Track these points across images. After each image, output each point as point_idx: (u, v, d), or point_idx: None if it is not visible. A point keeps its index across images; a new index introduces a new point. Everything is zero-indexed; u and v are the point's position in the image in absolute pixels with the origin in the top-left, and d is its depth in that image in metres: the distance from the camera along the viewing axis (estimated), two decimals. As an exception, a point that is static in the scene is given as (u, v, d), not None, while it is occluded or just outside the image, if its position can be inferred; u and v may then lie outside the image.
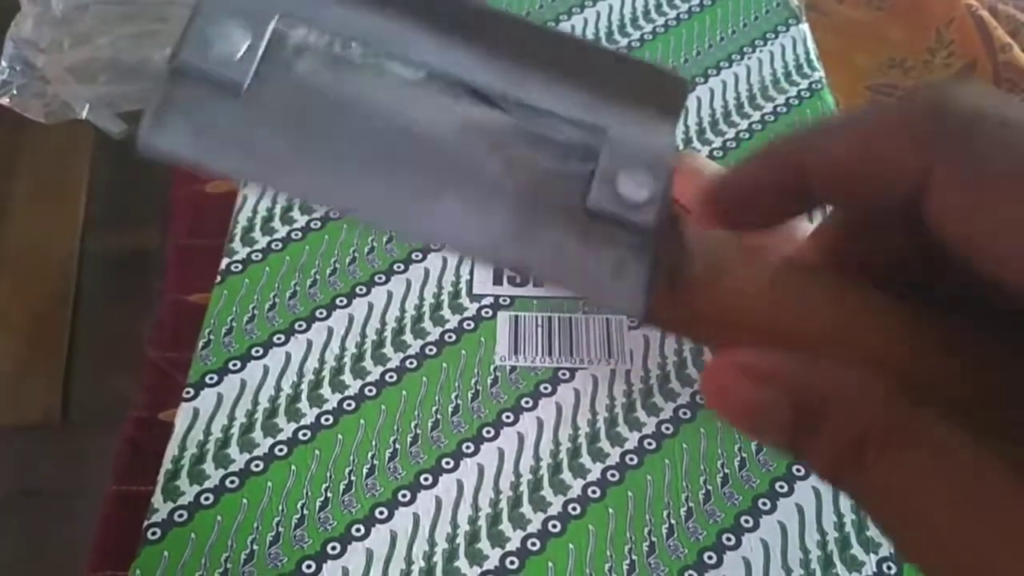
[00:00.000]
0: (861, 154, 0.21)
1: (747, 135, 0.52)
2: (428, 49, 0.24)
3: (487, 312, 0.43)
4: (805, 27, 0.59)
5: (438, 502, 0.37)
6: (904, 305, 0.22)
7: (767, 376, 0.20)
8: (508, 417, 0.39)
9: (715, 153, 0.51)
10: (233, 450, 0.38)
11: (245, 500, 0.37)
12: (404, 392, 0.40)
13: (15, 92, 0.55)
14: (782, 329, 0.22)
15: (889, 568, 0.36)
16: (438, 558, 0.35)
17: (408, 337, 0.42)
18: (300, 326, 0.42)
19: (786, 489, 0.38)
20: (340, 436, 0.38)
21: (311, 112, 0.23)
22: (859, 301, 0.22)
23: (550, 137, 0.24)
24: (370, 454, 0.38)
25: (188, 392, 0.40)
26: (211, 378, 0.40)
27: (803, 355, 0.21)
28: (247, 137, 0.22)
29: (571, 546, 0.36)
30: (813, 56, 0.57)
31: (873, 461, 0.20)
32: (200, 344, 0.41)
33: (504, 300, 0.43)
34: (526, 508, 0.37)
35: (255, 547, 0.35)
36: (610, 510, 0.37)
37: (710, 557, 0.36)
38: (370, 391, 0.40)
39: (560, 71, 0.24)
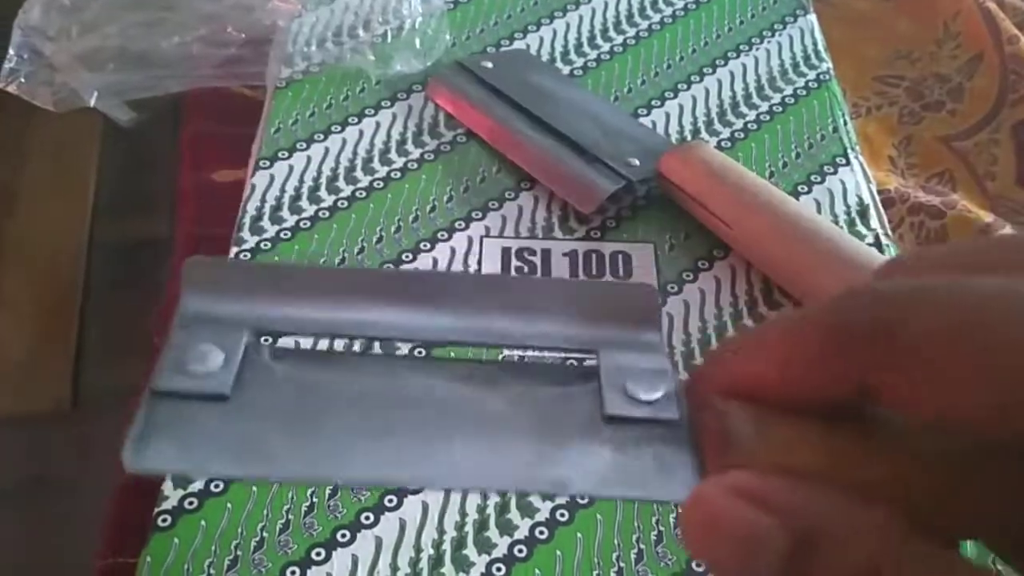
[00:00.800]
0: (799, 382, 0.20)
1: (755, 126, 0.52)
2: (397, 324, 0.25)
3: (495, 302, 0.43)
4: (813, 18, 0.59)
5: (446, 490, 0.37)
6: (885, 437, 0.21)
7: (761, 498, 0.18)
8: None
9: (723, 144, 0.51)
10: (243, 438, 0.38)
11: (254, 488, 0.37)
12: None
13: (23, 80, 0.54)
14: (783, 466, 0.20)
15: None
16: (447, 546, 0.36)
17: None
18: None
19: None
20: (349, 424, 0.39)
21: (298, 403, 0.23)
22: (845, 436, 0.21)
23: (542, 370, 0.25)
24: (379, 442, 0.38)
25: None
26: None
27: (802, 481, 0.19)
28: (237, 439, 0.22)
29: (579, 535, 0.36)
30: (821, 47, 0.57)
31: None
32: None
33: (512, 290, 0.43)
34: (535, 497, 0.37)
35: (265, 535, 0.36)
36: (599, 516, 0.37)
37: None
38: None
39: (531, 310, 0.25)
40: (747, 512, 0.18)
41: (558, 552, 0.36)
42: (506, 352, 0.34)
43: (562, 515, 0.37)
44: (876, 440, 0.21)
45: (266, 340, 0.23)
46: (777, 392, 0.21)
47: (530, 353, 0.34)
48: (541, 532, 0.36)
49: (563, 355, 0.24)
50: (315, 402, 0.23)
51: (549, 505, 0.37)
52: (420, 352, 0.25)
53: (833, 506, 0.18)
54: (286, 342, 0.24)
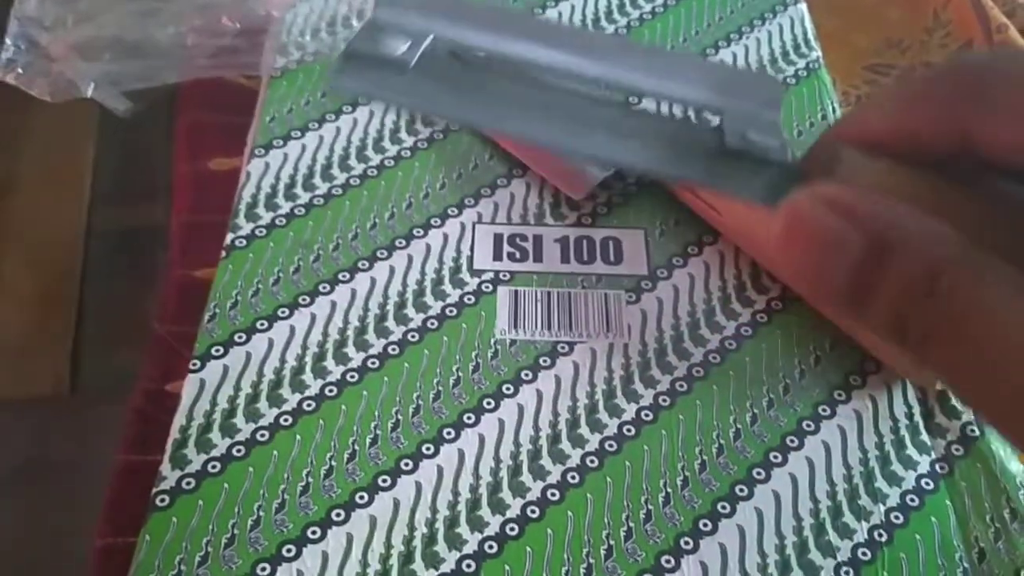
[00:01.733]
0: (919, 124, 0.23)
1: (744, 114, 0.53)
2: (560, 63, 0.30)
3: (487, 287, 0.44)
4: (803, 7, 0.59)
5: (440, 471, 0.38)
6: (958, 185, 0.24)
7: (845, 207, 0.21)
8: (508, 389, 0.40)
9: (713, 131, 0.52)
10: (239, 420, 0.39)
11: (251, 468, 0.37)
12: (406, 364, 0.41)
13: (20, 70, 0.55)
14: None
15: (880, 535, 0.37)
16: (440, 525, 0.36)
17: (410, 311, 0.43)
18: (304, 300, 0.43)
19: (780, 459, 0.39)
20: (344, 407, 0.39)
21: (469, 80, 0.28)
22: (928, 178, 0.24)
23: (674, 118, 0.30)
24: (372, 424, 0.39)
25: (195, 364, 0.40)
26: (217, 350, 0.41)
27: (886, 197, 0.22)
28: (415, 90, 0.28)
29: (570, 513, 0.37)
30: (811, 36, 0.57)
31: (948, 288, 0.19)
32: (206, 317, 0.42)
33: (504, 275, 0.44)
34: (526, 476, 0.38)
35: (261, 513, 0.36)
36: (608, 479, 0.38)
37: (705, 524, 0.37)
38: (373, 363, 0.41)
39: (675, 76, 0.30)
40: (827, 216, 0.21)
41: (569, 513, 0.37)
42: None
43: (553, 494, 0.37)
44: (964, 189, 0.24)
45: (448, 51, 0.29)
46: (892, 137, 0.23)
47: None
48: (553, 494, 0.37)
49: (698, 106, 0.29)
50: (482, 85, 0.28)
51: (560, 468, 0.38)
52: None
53: (906, 218, 0.21)
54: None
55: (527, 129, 0.29)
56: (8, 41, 0.56)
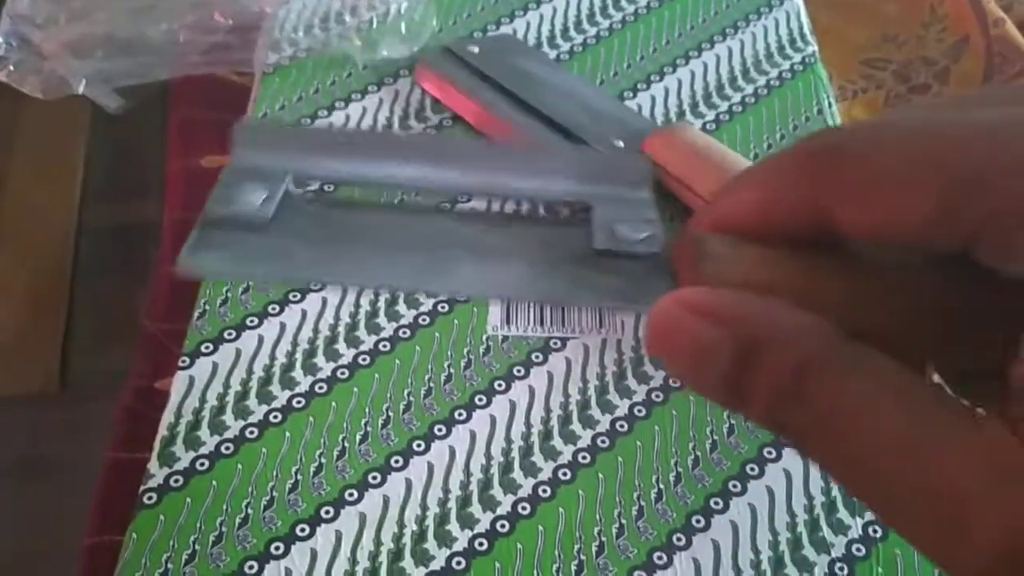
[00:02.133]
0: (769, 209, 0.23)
1: (740, 108, 0.52)
2: (418, 178, 0.29)
3: (480, 283, 0.43)
4: (799, 2, 0.59)
5: (430, 468, 0.37)
6: (829, 259, 0.23)
7: (711, 311, 0.21)
8: (500, 385, 0.40)
9: (708, 126, 0.51)
10: (228, 417, 0.38)
11: (240, 466, 0.37)
12: (397, 361, 0.40)
13: (12, 68, 0.55)
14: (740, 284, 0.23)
15: (875, 532, 0.37)
16: (429, 522, 0.36)
17: (401, 307, 0.42)
18: (295, 297, 0.42)
19: (774, 455, 0.39)
20: (334, 404, 0.39)
21: (327, 229, 0.28)
22: (797, 260, 0.24)
23: (539, 218, 0.29)
24: (363, 421, 0.39)
25: (184, 361, 0.40)
26: (206, 347, 0.41)
27: (752, 294, 0.21)
28: (274, 253, 0.27)
29: (561, 510, 0.37)
30: (807, 30, 0.57)
31: (815, 388, 0.19)
32: (196, 315, 0.42)
33: (497, 271, 0.44)
34: (517, 473, 0.37)
35: (250, 511, 0.36)
36: (600, 475, 0.38)
37: (698, 521, 0.37)
38: (364, 360, 0.40)
39: (535, 172, 0.30)
40: (695, 324, 0.21)
41: (560, 510, 0.36)
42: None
43: (544, 491, 0.37)
44: (835, 263, 0.23)
45: (306, 190, 0.28)
46: (754, 223, 0.23)
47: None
48: (544, 491, 0.37)
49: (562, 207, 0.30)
50: (341, 229, 0.28)
51: (552, 465, 0.38)
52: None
53: (771, 315, 0.21)
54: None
55: (391, 278, 0.28)
56: (0, 39, 0.56)
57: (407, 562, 0.35)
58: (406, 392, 0.39)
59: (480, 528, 0.36)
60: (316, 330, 0.41)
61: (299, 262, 0.27)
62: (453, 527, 0.36)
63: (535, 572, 0.35)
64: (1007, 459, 0.19)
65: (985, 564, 0.19)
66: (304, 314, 0.42)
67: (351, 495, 0.37)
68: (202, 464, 0.37)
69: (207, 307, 0.42)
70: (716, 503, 0.37)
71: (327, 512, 0.36)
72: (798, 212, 0.23)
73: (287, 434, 0.38)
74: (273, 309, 0.42)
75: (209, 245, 0.27)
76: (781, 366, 0.20)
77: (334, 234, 0.28)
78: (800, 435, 0.20)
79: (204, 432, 0.38)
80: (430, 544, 0.36)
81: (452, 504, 0.37)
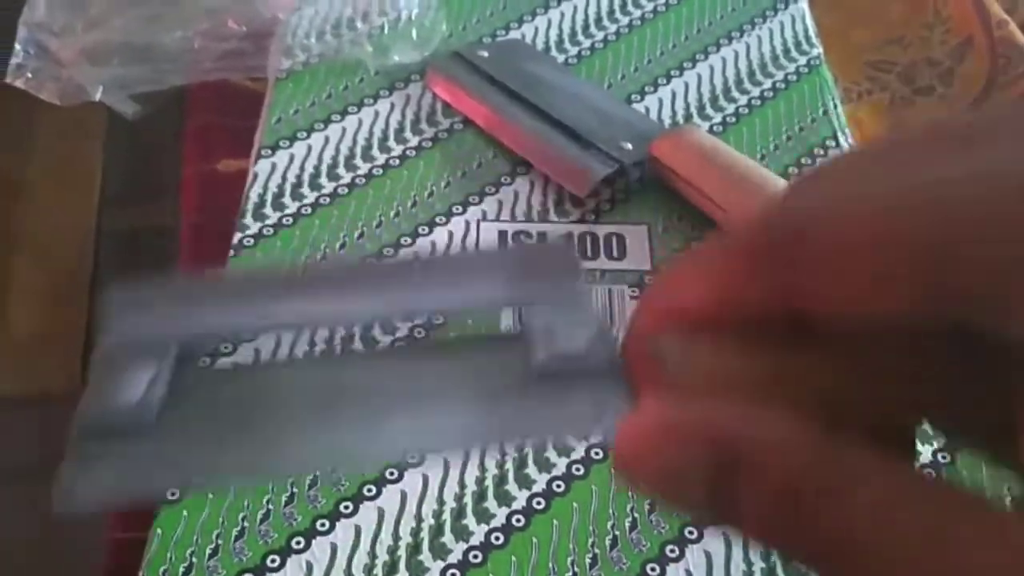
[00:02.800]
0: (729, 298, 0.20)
1: (746, 110, 0.53)
2: (326, 313, 0.25)
3: (492, 283, 0.44)
4: (804, 5, 0.60)
5: (425, 480, 0.38)
6: (791, 341, 0.20)
7: (678, 431, 0.19)
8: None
9: (715, 128, 0.52)
10: (248, 415, 0.39)
11: (260, 463, 0.38)
12: (412, 360, 0.41)
13: (30, 75, 0.56)
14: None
15: None
16: (447, 516, 0.37)
17: (416, 307, 0.43)
18: (311, 297, 0.43)
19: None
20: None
21: (232, 412, 0.23)
22: (760, 349, 0.21)
23: (472, 340, 0.25)
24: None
25: (204, 362, 0.41)
26: (226, 347, 0.41)
27: (721, 403, 0.19)
28: (171, 459, 0.22)
29: (575, 504, 0.37)
30: (812, 33, 0.58)
31: (815, 509, 0.17)
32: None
33: (509, 271, 0.44)
34: (531, 468, 0.38)
35: (271, 506, 0.37)
36: (593, 487, 0.38)
37: (691, 532, 0.37)
38: (380, 359, 0.41)
39: (458, 283, 0.26)
40: (665, 447, 0.19)
41: (534, 539, 0.37)
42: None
43: (539, 503, 0.38)
44: (801, 348, 0.21)
45: (199, 360, 0.23)
46: (705, 314, 0.21)
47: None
48: (518, 520, 0.37)
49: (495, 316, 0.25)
50: (249, 408, 0.23)
51: (526, 493, 0.38)
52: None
53: (751, 427, 0.19)
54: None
55: (311, 461, 0.23)
56: (18, 47, 0.57)
57: (425, 555, 0.36)
58: (421, 390, 0.40)
59: (474, 541, 0.37)
60: (312, 344, 0.42)
61: (203, 463, 0.22)
62: (470, 521, 0.37)
63: (550, 563, 0.36)
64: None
65: None
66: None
67: (369, 491, 0.37)
68: (223, 461, 0.38)
69: (226, 308, 0.43)
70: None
71: (346, 507, 0.37)
72: (758, 300, 0.20)
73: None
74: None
75: (85, 468, 0.21)
76: (770, 485, 0.18)
77: (240, 416, 0.23)
78: (810, 558, 0.18)
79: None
80: (447, 538, 0.36)
81: (468, 499, 0.37)
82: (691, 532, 0.37)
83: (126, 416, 0.22)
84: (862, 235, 0.18)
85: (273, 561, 0.36)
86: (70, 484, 0.21)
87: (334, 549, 0.36)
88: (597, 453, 0.39)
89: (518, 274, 0.26)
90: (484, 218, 0.47)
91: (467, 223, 0.46)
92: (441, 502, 0.37)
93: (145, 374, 0.22)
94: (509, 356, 0.24)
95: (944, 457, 0.40)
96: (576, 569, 0.36)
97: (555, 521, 0.37)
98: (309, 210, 0.47)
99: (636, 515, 0.37)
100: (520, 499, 0.37)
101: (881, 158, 0.19)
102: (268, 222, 0.46)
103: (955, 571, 0.16)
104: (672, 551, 0.36)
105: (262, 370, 0.25)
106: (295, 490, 0.37)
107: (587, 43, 0.56)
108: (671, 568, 0.36)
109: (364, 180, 0.48)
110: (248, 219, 0.46)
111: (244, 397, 0.23)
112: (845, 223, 0.18)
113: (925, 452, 0.40)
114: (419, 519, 0.37)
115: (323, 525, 0.36)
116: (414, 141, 0.50)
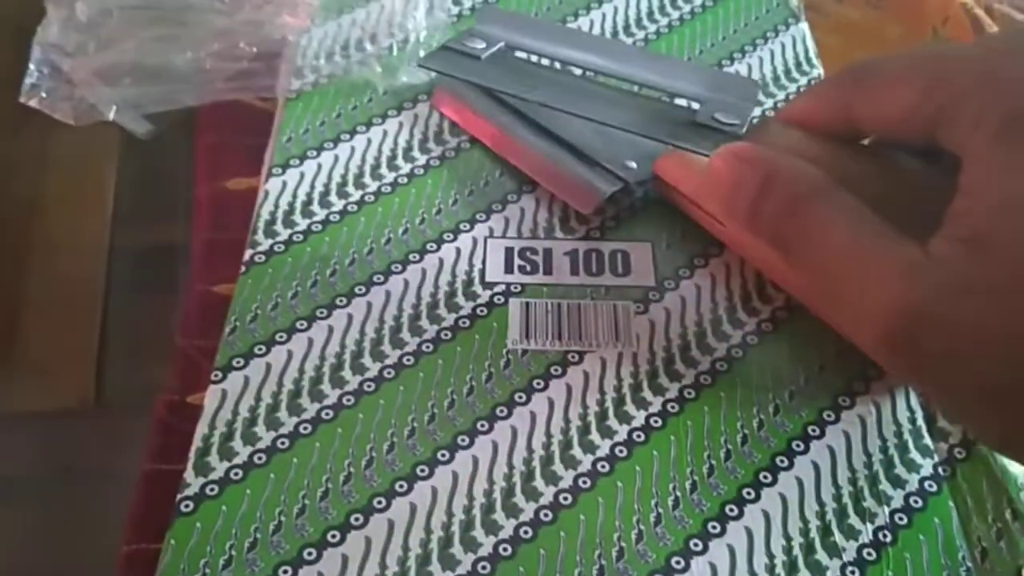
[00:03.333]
0: (895, 111, 0.33)
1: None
2: (591, 61, 0.49)
3: (499, 299, 0.45)
4: (805, 26, 0.61)
5: (455, 476, 0.39)
6: (848, 146, 0.38)
7: (749, 157, 0.34)
8: (520, 397, 0.41)
9: (717, 147, 0.53)
10: (260, 429, 0.40)
11: (272, 475, 0.39)
12: (421, 374, 0.42)
13: (44, 95, 0.57)
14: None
15: (884, 536, 0.38)
16: (455, 528, 0.37)
17: (424, 323, 0.44)
18: (322, 313, 0.44)
19: (786, 463, 0.40)
20: (361, 415, 0.40)
21: (521, 72, 0.49)
22: (822, 141, 0.38)
23: (655, 98, 0.49)
24: (390, 432, 0.40)
25: (216, 375, 0.42)
26: (238, 362, 0.42)
27: (779, 151, 0.35)
28: (483, 71, 0.49)
29: (582, 517, 0.38)
30: (812, 54, 0.59)
31: (802, 210, 0.31)
32: (227, 330, 0.43)
33: (515, 287, 0.45)
34: (538, 481, 0.39)
35: (282, 518, 0.37)
36: (618, 483, 0.39)
37: (714, 527, 0.38)
38: (389, 373, 0.42)
39: (669, 71, 0.48)
40: (733, 163, 0.35)
41: (581, 516, 0.38)
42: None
43: (565, 499, 0.38)
44: (848, 148, 0.37)
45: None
46: (806, 119, 0.38)
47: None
48: (565, 498, 0.38)
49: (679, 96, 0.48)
50: (530, 74, 0.50)
51: (572, 473, 0.39)
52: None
53: (790, 163, 0.33)
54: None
55: (551, 99, 0.46)
56: (32, 67, 0.58)
57: (435, 567, 0.36)
58: (430, 404, 0.41)
59: (504, 534, 0.37)
60: (343, 345, 0.43)
61: (495, 81, 0.48)
62: (478, 532, 0.37)
63: (578, 556, 0.36)
64: (911, 262, 0.29)
65: (874, 338, 0.31)
66: (331, 330, 0.43)
67: (379, 503, 0.38)
68: (236, 473, 0.39)
69: (237, 324, 0.44)
70: (731, 510, 0.38)
71: (356, 519, 0.38)
72: (833, 114, 0.36)
73: (317, 444, 0.40)
74: (301, 325, 0.44)
75: (441, 57, 0.49)
76: (784, 192, 0.32)
77: (523, 76, 0.49)
78: (787, 244, 0.32)
79: (237, 443, 0.40)
80: (456, 549, 0.37)
81: (477, 511, 0.38)
82: (714, 527, 0.38)
83: (470, 51, 0.50)
84: (897, 67, 0.33)
85: (285, 572, 0.36)
86: (431, 56, 0.50)
87: (345, 560, 0.36)
88: (621, 451, 0.39)
89: (715, 85, 0.46)
90: (491, 235, 0.47)
91: (474, 240, 0.47)
92: (450, 514, 0.38)
93: (484, 43, 0.50)
94: (683, 111, 0.46)
95: (960, 453, 0.41)
96: (603, 562, 0.36)
97: (562, 532, 0.37)
98: (320, 227, 0.48)
99: (660, 510, 0.38)
100: (528, 511, 0.38)
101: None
102: (279, 239, 0.47)
103: (858, 271, 0.30)
104: (696, 544, 0.37)
105: (547, 65, 0.52)
106: (307, 502, 0.38)
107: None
108: (695, 561, 0.37)
109: (373, 198, 0.49)
110: (259, 236, 0.47)
111: (531, 71, 0.51)
112: (890, 61, 0.34)
113: (941, 449, 0.41)
114: (428, 531, 0.37)
115: (334, 536, 0.37)
116: (422, 160, 0.51)
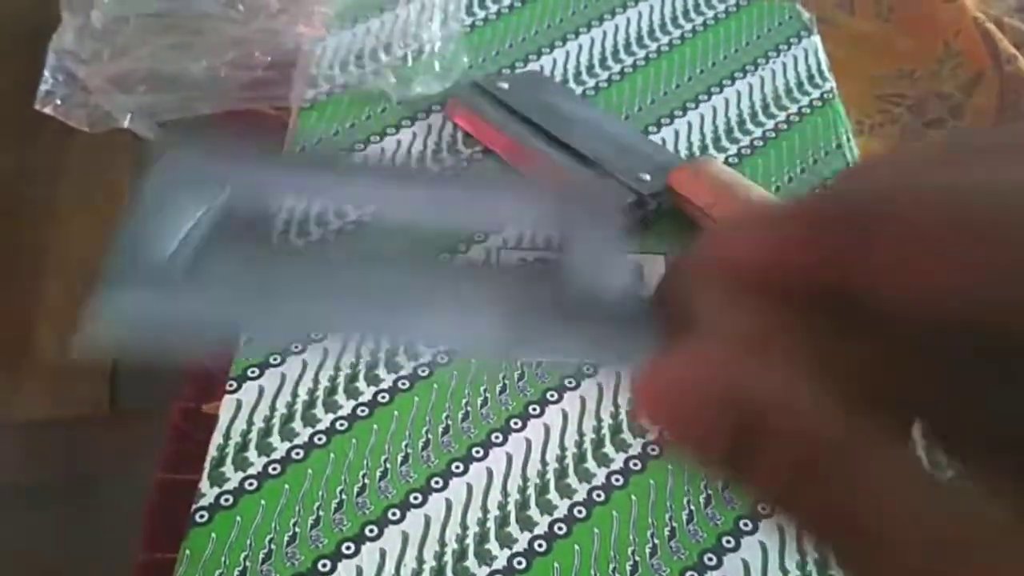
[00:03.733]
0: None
1: (761, 142, 0.54)
2: (373, 198, 0.26)
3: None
4: (817, 39, 0.61)
5: (469, 489, 0.39)
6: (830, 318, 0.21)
7: (707, 381, 0.19)
8: (535, 409, 0.41)
9: (730, 159, 0.53)
10: (274, 439, 0.40)
11: (287, 486, 0.39)
12: (435, 386, 0.42)
13: (59, 102, 0.57)
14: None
15: None
16: (470, 540, 0.37)
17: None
18: (336, 323, 0.44)
19: (750, 528, 0.40)
20: (375, 426, 0.41)
21: (262, 280, 0.23)
22: (798, 318, 0.20)
23: (508, 267, 0.26)
24: (404, 443, 0.40)
25: (231, 385, 0.42)
26: (253, 372, 0.42)
27: (747, 358, 0.19)
28: (197, 314, 0.22)
29: (596, 530, 0.38)
30: (824, 67, 0.59)
31: (828, 477, 0.18)
32: (242, 340, 0.43)
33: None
34: (553, 495, 0.39)
35: (297, 529, 0.38)
36: (633, 497, 0.39)
37: (728, 541, 0.38)
38: (403, 384, 0.42)
39: (501, 209, 0.27)
40: (690, 396, 0.19)
41: (596, 530, 0.38)
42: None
43: (580, 512, 0.38)
44: (841, 324, 0.20)
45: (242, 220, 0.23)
46: (754, 272, 0.21)
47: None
48: (579, 511, 0.38)
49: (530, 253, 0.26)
50: (279, 280, 0.23)
51: (586, 487, 0.39)
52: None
53: (780, 389, 0.18)
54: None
55: (353, 325, 0.24)
56: (47, 74, 0.58)
57: (471, 561, 0.36)
58: (444, 416, 0.41)
59: (518, 547, 0.37)
60: (358, 356, 0.43)
61: (229, 320, 0.22)
62: (492, 546, 0.37)
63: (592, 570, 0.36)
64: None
65: None
66: (345, 345, 0.43)
67: (394, 515, 0.38)
68: (251, 484, 0.39)
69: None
70: (746, 525, 0.38)
71: (371, 531, 0.38)
72: (817, 271, 0.20)
73: (331, 455, 0.40)
74: (316, 335, 0.44)
75: (113, 315, 0.22)
76: (788, 454, 0.18)
77: (269, 284, 0.23)
78: (813, 528, 0.18)
79: (252, 453, 0.40)
80: (471, 562, 0.37)
81: (491, 524, 0.38)
82: (728, 541, 0.38)
83: (153, 278, 0.22)
84: (938, 220, 0.18)
85: (300, 583, 0.36)
86: (91, 329, 0.21)
87: (359, 572, 0.37)
88: (635, 464, 0.39)
89: (558, 208, 0.26)
90: (504, 246, 0.47)
91: (487, 250, 0.47)
92: (464, 527, 0.38)
93: (185, 221, 0.22)
94: (543, 284, 0.24)
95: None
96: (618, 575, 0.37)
97: (596, 529, 0.38)
98: (332, 238, 0.48)
99: (675, 524, 0.38)
100: (542, 524, 0.38)
101: (925, 158, 0.20)
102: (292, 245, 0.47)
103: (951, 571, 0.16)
104: (710, 559, 0.37)
105: (290, 251, 0.26)
106: (321, 513, 0.38)
107: (604, 75, 0.58)
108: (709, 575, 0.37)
109: (387, 208, 0.49)
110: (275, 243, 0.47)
111: (281, 264, 0.23)
112: (921, 207, 0.18)
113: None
114: (442, 543, 0.37)
115: (349, 548, 0.37)
116: (435, 170, 0.51)
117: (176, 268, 0.22)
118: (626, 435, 0.41)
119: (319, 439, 0.40)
